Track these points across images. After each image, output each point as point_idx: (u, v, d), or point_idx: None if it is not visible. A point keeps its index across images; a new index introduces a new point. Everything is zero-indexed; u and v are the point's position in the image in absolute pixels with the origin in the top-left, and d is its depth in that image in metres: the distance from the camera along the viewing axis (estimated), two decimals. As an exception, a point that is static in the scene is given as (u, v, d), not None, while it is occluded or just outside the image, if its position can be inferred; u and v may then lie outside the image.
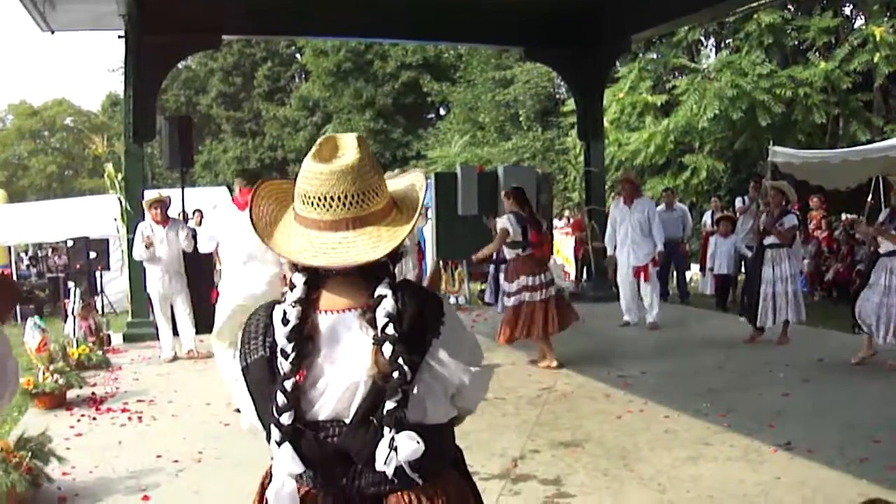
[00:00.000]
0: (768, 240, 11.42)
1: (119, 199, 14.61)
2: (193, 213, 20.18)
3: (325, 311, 2.44)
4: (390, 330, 2.31)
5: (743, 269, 16.10)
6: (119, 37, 14.06)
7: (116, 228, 16.11)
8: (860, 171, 15.52)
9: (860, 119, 22.94)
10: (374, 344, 2.34)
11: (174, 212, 15.28)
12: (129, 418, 8.63)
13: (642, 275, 13.14)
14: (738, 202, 17.92)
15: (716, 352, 11.05)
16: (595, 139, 17.63)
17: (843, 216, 18.98)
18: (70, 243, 16.63)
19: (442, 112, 43.08)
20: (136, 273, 13.24)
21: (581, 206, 18.91)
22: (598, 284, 17.10)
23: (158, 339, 12.16)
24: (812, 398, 8.73)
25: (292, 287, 2.47)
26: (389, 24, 15.87)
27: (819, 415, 8.07)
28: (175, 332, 12.08)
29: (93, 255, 15.73)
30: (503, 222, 10.45)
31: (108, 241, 16.57)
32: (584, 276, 19.13)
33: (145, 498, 6.35)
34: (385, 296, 2.36)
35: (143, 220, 12.12)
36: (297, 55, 48.23)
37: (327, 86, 42.32)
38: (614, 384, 9.52)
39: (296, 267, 2.48)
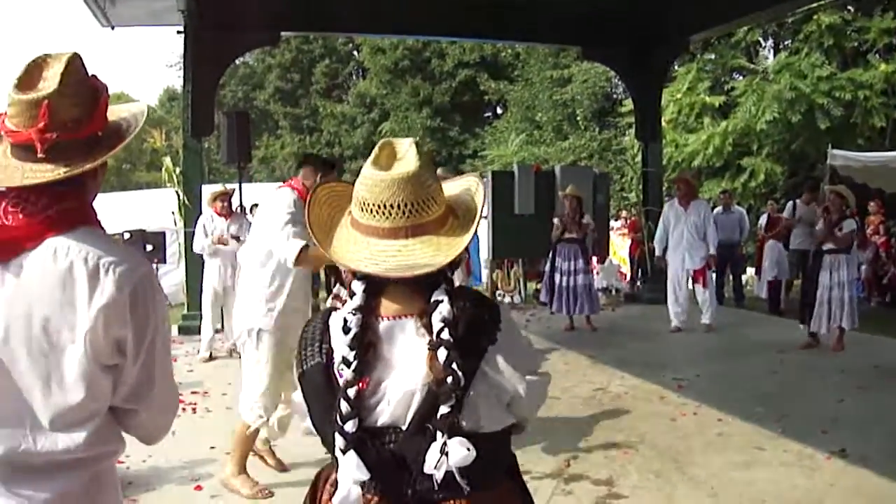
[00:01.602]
0: (827, 245, 11.35)
1: (177, 192, 14.75)
2: (251, 209, 20.34)
3: (384, 318, 2.45)
4: (445, 335, 2.32)
5: (799, 274, 16.00)
6: (178, 32, 14.21)
7: (174, 221, 16.27)
8: (920, 175, 15.38)
9: (921, 122, 22.69)
10: (429, 349, 2.35)
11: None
12: (184, 409, 8.63)
13: (699, 279, 13.06)
14: (788, 207, 17.73)
15: (770, 356, 11.00)
16: (652, 140, 17.59)
17: (903, 221, 18.82)
18: (127, 236, 16.77)
19: (499, 111, 42.96)
20: (193, 266, 13.35)
21: (638, 206, 18.87)
22: (654, 286, 17.04)
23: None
24: (867, 405, 8.68)
25: (352, 294, 2.49)
26: (447, 22, 15.89)
27: (874, 422, 8.03)
28: (220, 329, 12.11)
29: (149, 247, 15.83)
30: None
31: (164, 234, 16.66)
32: (640, 277, 19.10)
33: (198, 488, 6.47)
34: (441, 301, 2.38)
35: (202, 213, 12.19)
36: (355, 52, 48.34)
37: (384, 83, 42.38)
38: (668, 386, 9.50)
39: (355, 274, 2.50)
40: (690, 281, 13.21)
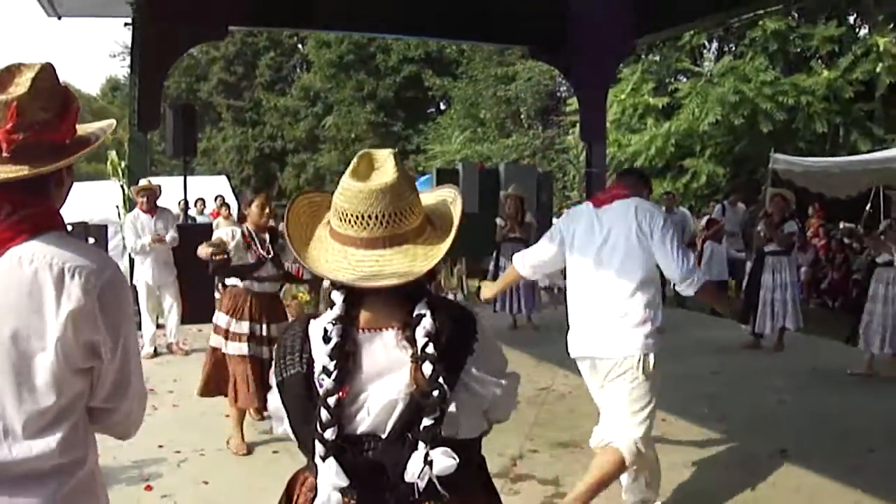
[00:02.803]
0: (769, 246, 11.53)
1: (122, 186, 14.65)
2: (195, 202, 20.22)
3: (364, 329, 2.48)
4: (430, 349, 2.35)
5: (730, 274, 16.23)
6: (125, 25, 14.17)
7: (118, 215, 16.15)
8: (860, 181, 15.64)
9: (861, 129, 23.03)
10: (413, 362, 2.38)
11: (175, 201, 15.30)
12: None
13: None
14: (717, 210, 17.91)
15: (712, 357, 11.12)
16: (597, 140, 17.61)
17: (841, 225, 19.09)
18: (69, 228, 16.61)
19: (443, 107, 43.07)
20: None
21: (581, 206, 18.93)
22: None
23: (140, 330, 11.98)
24: (807, 406, 8.81)
25: (331, 305, 2.50)
26: (394, 19, 15.84)
27: (814, 422, 8.16)
28: (159, 325, 12.03)
29: (91, 240, 15.67)
30: None
31: (106, 227, 16.49)
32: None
33: (148, 488, 6.40)
34: (424, 314, 2.40)
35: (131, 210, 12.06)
36: (300, 46, 48.18)
37: (329, 77, 42.31)
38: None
39: (334, 285, 2.51)
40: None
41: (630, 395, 5.48)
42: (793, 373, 10.18)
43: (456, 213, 2.55)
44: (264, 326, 7.49)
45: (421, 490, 2.38)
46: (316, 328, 2.50)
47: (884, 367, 10.12)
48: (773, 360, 11.01)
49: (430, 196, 2.64)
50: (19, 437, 2.30)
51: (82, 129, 2.57)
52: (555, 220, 21.56)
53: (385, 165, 2.45)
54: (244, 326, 7.43)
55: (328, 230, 2.52)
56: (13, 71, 2.42)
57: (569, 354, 5.99)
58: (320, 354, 2.44)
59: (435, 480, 2.35)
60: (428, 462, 2.34)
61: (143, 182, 12.10)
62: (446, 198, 2.62)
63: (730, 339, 12.00)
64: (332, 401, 2.38)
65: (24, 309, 2.28)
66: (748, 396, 9.16)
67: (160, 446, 7.27)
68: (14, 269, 2.28)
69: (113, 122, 2.71)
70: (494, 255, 13.52)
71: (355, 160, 2.49)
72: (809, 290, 17.38)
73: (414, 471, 2.35)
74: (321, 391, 2.40)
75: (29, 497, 2.31)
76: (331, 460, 2.38)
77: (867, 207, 17.76)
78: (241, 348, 7.40)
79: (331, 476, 2.38)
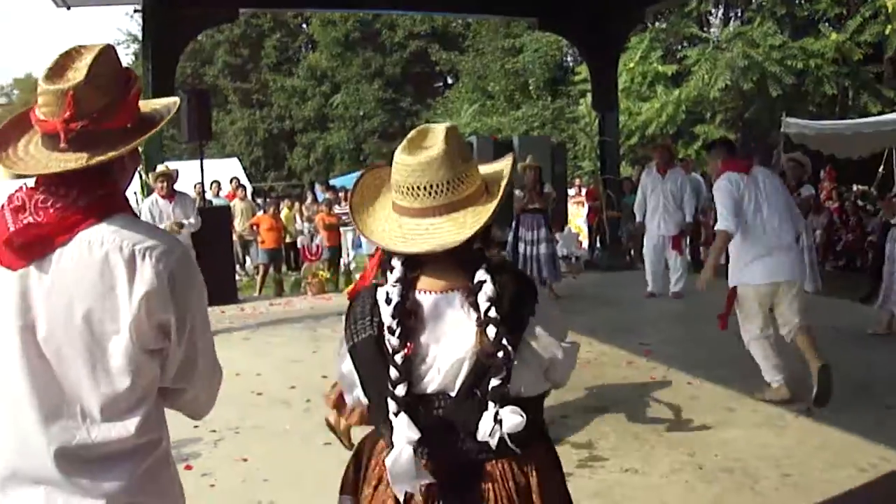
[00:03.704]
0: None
1: (139, 173, 14.71)
2: (211, 185, 20.31)
3: (429, 292, 2.59)
4: (493, 313, 2.47)
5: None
6: (135, 10, 14.23)
7: (136, 202, 16.22)
8: (873, 142, 15.66)
9: (871, 90, 23.08)
10: (478, 326, 2.49)
11: (191, 185, 15.40)
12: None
13: (675, 246, 13.17)
14: None
15: (735, 320, 11.16)
16: (609, 109, 17.65)
17: (854, 187, 19.13)
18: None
19: (450, 81, 43.08)
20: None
21: (596, 175, 19.00)
22: (612, 253, 17.22)
23: None
24: (828, 366, 8.91)
25: (392, 269, 2.62)
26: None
27: (836, 381, 8.22)
28: None
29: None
30: None
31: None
32: (598, 244, 19.28)
33: (188, 468, 6.43)
34: (485, 281, 2.51)
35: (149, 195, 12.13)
36: (304, 25, 48.11)
37: (335, 55, 42.34)
38: (636, 352, 9.65)
39: (392, 253, 2.64)
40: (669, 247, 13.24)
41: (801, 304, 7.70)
42: (813, 334, 10.28)
43: (506, 173, 2.68)
44: None
45: (493, 447, 2.51)
46: (382, 293, 2.62)
47: (903, 326, 10.21)
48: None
49: (490, 166, 2.74)
50: (97, 420, 2.35)
51: (147, 105, 2.59)
52: (568, 191, 21.66)
53: (435, 138, 2.56)
54: None
55: (392, 202, 2.64)
56: (72, 55, 2.43)
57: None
58: (386, 316, 2.56)
59: (506, 437, 2.46)
60: (498, 420, 2.45)
61: (160, 168, 12.23)
62: (504, 166, 2.72)
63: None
64: (399, 358, 2.50)
65: (97, 292, 2.32)
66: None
67: (195, 426, 7.27)
68: (85, 253, 2.32)
69: (177, 99, 2.71)
70: (514, 225, 13.56)
71: (410, 134, 2.61)
72: (825, 253, 17.44)
73: (485, 429, 2.47)
74: (389, 350, 2.52)
75: (109, 478, 2.37)
76: (402, 415, 2.50)
77: (880, 169, 17.78)
78: None
79: (404, 430, 2.49)
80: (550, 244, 13.33)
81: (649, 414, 7.40)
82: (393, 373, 2.51)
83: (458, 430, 2.56)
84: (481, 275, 2.54)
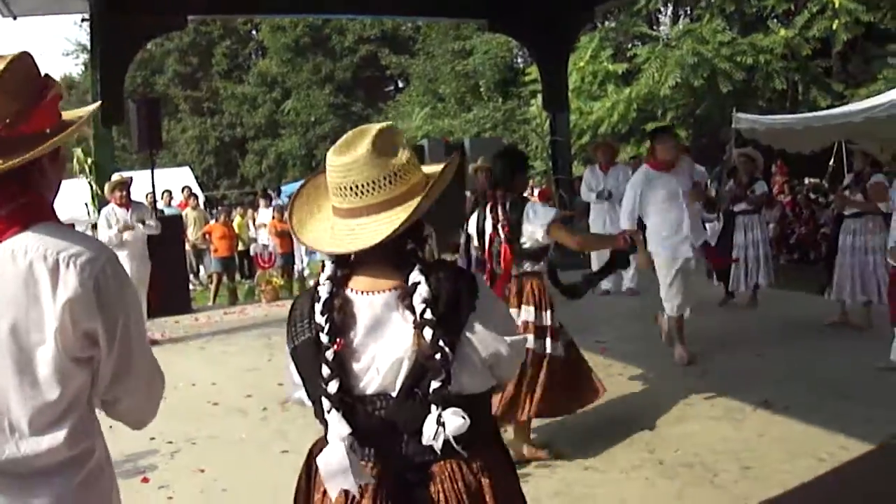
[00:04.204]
0: (739, 206, 11.66)
1: (90, 183, 14.59)
2: (162, 195, 20.20)
3: (365, 292, 2.56)
4: (428, 315, 2.44)
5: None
6: (83, 19, 14.05)
7: (88, 213, 16.07)
8: (823, 136, 15.74)
9: (820, 85, 23.33)
10: (414, 328, 2.46)
11: (141, 194, 15.30)
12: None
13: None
14: None
15: (690, 315, 11.21)
16: (560, 110, 17.69)
17: (806, 180, 19.29)
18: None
19: (401, 85, 43.12)
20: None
21: (548, 175, 19.01)
22: (565, 252, 17.18)
23: None
24: (784, 358, 8.90)
25: (324, 268, 2.62)
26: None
27: (793, 374, 8.27)
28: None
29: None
30: None
31: (73, 225, 16.37)
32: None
33: (145, 480, 6.38)
34: (419, 282, 2.48)
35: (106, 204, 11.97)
36: (255, 32, 48.03)
37: (285, 61, 42.32)
38: (592, 350, 9.56)
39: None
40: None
41: None
42: (768, 327, 10.30)
43: (442, 170, 2.63)
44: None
45: (438, 450, 2.47)
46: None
47: (856, 316, 10.28)
48: (748, 317, 11.16)
49: (434, 167, 2.69)
50: (26, 434, 2.29)
51: (70, 114, 2.55)
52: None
53: (364, 139, 2.52)
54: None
55: (331, 205, 2.61)
56: (356, 132, 2.51)
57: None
58: (316, 314, 2.54)
59: (451, 440, 2.42)
60: (441, 423, 2.42)
61: (116, 177, 12.09)
62: (441, 166, 2.67)
63: (704, 297, 12.04)
64: (329, 354, 2.48)
65: (21, 302, 2.27)
66: (726, 352, 9.23)
67: (151, 438, 7.21)
68: (8, 263, 2.27)
69: (96, 105, 2.72)
70: (465, 228, 13.51)
71: (346, 134, 2.59)
72: (779, 247, 17.54)
73: (429, 433, 2.43)
74: (322, 347, 2.50)
75: (41, 492, 2.31)
76: (334, 412, 2.48)
77: (830, 162, 17.92)
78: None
79: (335, 426, 2.47)
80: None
81: (607, 411, 7.34)
82: (324, 370, 2.49)
83: (402, 431, 2.53)
84: (415, 276, 2.51)
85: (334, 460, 2.46)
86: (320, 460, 2.50)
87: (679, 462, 6.19)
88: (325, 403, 2.49)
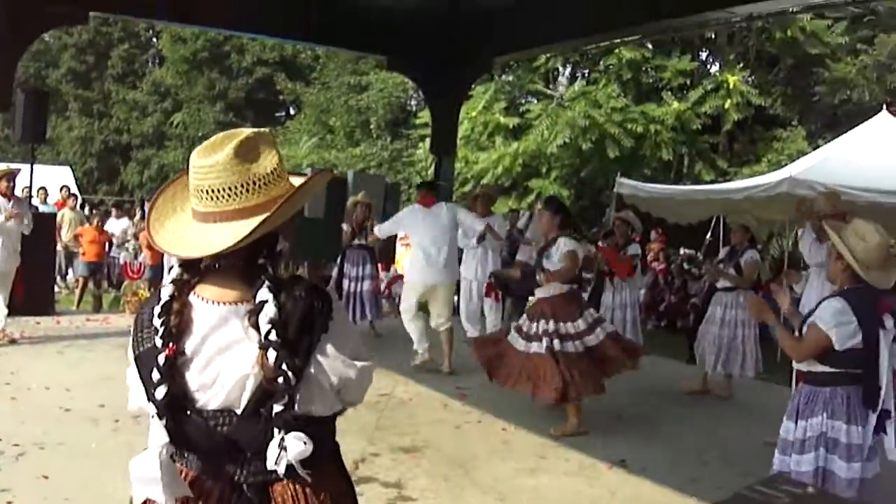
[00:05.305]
0: (609, 268, 11.81)
1: (-31, 172, 14.17)
2: (38, 191, 19.76)
3: (213, 302, 2.48)
4: (273, 336, 2.36)
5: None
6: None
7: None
8: (703, 209, 15.98)
9: (706, 159, 23.81)
10: (259, 349, 2.38)
11: (20, 188, 14.92)
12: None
13: (490, 292, 12.85)
14: (524, 219, 17.81)
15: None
16: (447, 154, 17.72)
17: (682, 251, 19.58)
18: None
19: (293, 111, 42.91)
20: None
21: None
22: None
23: None
24: (644, 420, 9.02)
25: (171, 270, 2.53)
26: (253, 18, 15.58)
27: (651, 436, 8.35)
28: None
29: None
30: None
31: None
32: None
33: None
34: (266, 301, 2.40)
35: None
36: (155, 39, 47.45)
37: (181, 73, 41.75)
38: (451, 395, 9.62)
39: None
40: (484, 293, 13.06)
41: None
42: (630, 390, 10.33)
43: (302, 185, 2.55)
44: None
45: (282, 474, 2.41)
46: None
47: (717, 387, 10.44)
48: (611, 378, 11.22)
49: (299, 178, 2.62)
50: None
51: None
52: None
53: (229, 143, 2.44)
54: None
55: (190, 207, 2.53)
56: (224, 136, 2.45)
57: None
58: (154, 317, 2.45)
59: (295, 464, 2.37)
60: (283, 447, 2.36)
61: (2, 167, 11.84)
62: (303, 180, 2.59)
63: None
64: (161, 359, 2.39)
65: None
66: (585, 409, 9.24)
67: (-6, 440, 7.02)
68: None
69: None
70: (339, 260, 13.41)
71: (214, 136, 2.51)
72: (648, 312, 17.75)
73: (272, 457, 2.37)
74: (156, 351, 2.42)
75: None
76: (155, 419, 2.41)
77: (708, 235, 18.22)
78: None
79: (155, 433, 2.42)
80: (374, 281, 13.25)
81: (461, 457, 7.32)
82: (154, 374, 2.40)
83: (244, 450, 2.46)
84: (263, 293, 2.43)
85: (146, 468, 2.39)
86: (132, 465, 2.43)
87: (528, 513, 6.15)
88: (151, 408, 2.43)
